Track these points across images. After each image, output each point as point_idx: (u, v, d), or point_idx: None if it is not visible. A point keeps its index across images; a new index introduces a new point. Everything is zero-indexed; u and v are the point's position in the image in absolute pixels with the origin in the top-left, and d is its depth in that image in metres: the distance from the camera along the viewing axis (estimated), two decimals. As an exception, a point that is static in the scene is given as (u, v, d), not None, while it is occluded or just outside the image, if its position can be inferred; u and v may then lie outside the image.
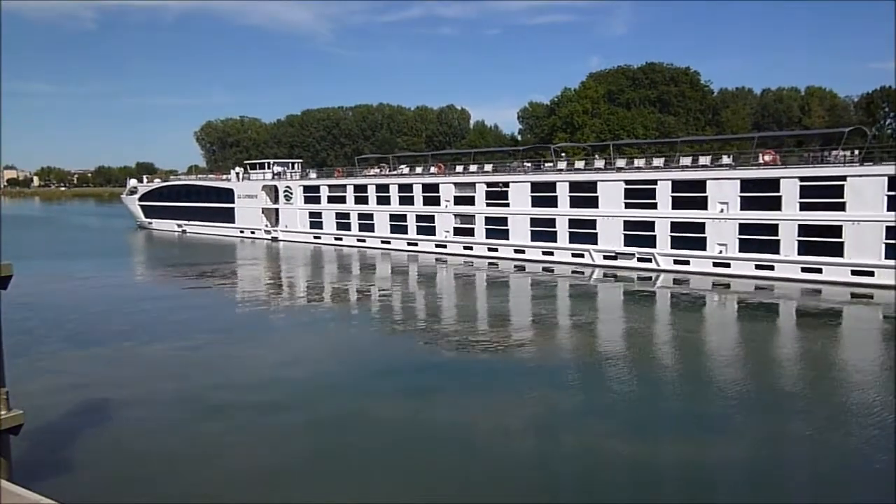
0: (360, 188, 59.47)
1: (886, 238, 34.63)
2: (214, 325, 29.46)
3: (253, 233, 69.01)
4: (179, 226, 77.82)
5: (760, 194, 38.43)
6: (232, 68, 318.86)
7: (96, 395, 19.19)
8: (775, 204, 37.89)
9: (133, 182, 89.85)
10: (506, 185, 49.13)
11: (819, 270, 36.55)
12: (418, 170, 60.27)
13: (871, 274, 35.08)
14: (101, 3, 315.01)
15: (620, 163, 47.09)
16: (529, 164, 54.29)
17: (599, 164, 48.02)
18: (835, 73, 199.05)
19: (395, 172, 62.19)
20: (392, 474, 14.24)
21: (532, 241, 47.49)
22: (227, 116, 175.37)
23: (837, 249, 36.05)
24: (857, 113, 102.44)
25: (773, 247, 37.96)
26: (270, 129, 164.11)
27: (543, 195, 47.09)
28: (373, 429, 16.72)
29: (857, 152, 39.10)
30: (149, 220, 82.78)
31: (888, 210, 34.61)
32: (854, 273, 35.57)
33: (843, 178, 36.08)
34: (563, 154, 59.14)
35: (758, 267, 38.40)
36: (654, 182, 42.25)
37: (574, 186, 45.63)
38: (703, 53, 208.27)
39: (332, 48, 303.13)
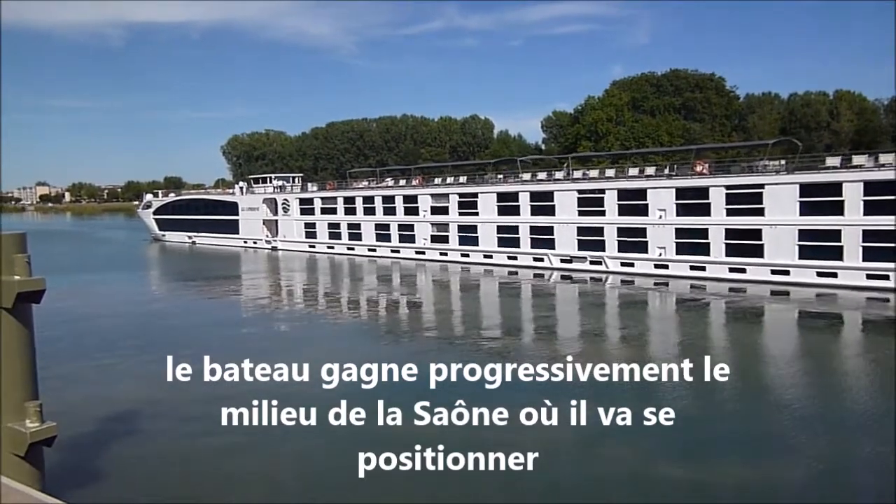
0: (349, 200, 67.54)
1: (799, 240, 40.45)
2: (233, 339, 31.19)
3: (255, 243, 77.70)
4: (189, 237, 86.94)
5: (693, 201, 44.60)
6: (257, 82, 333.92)
7: (129, 408, 20.25)
8: (705, 210, 44.00)
9: (148, 197, 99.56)
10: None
11: (744, 270, 42.43)
12: (402, 182, 68.11)
13: (787, 273, 40.90)
14: (129, 22, 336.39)
15: (577, 174, 53.78)
16: (501, 176, 61.35)
17: (559, 175, 54.77)
18: (864, 76, 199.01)
19: (381, 185, 70.20)
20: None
21: (498, 246, 54.45)
22: (253, 130, 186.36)
23: (758, 251, 41.94)
24: (888, 116, 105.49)
25: (705, 249, 44.00)
26: (295, 142, 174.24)
27: (508, 205, 54.09)
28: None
29: (782, 162, 44.92)
30: (162, 232, 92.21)
31: (801, 214, 40.50)
32: (773, 272, 41.38)
33: (762, 186, 42.03)
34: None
35: (692, 268, 44.43)
36: (602, 192, 48.78)
37: (534, 196, 52.49)
38: (728, 59, 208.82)
39: (355, 60, 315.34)
